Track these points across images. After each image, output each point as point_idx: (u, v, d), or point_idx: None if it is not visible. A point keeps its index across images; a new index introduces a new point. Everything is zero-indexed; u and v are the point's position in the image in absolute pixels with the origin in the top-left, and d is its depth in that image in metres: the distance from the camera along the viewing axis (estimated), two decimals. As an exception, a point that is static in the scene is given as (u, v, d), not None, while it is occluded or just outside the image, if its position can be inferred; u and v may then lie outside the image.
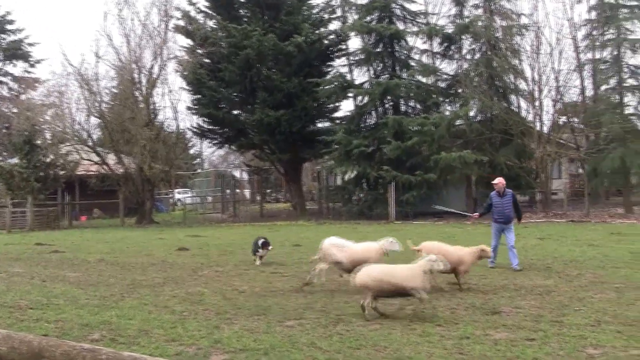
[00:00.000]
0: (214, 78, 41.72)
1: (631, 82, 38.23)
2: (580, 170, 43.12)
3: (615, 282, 13.82)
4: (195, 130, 47.21)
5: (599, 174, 36.48)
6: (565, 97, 39.96)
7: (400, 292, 10.55)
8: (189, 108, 45.60)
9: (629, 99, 38.59)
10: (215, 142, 48.55)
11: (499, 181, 16.92)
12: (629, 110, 38.35)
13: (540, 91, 38.64)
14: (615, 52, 37.95)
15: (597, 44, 39.13)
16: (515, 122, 37.46)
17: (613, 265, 16.49)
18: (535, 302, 11.85)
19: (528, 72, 38.90)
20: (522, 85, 39.72)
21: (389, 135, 36.52)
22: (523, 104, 40.50)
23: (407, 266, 10.96)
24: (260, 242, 17.86)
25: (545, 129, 39.75)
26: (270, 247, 17.92)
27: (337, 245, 13.49)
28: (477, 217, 18.49)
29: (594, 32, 39.63)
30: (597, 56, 39.53)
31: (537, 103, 38.70)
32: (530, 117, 39.48)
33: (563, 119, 41.06)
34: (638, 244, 21.38)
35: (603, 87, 39.48)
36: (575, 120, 40.71)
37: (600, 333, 9.41)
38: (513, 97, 40.31)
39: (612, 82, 38.70)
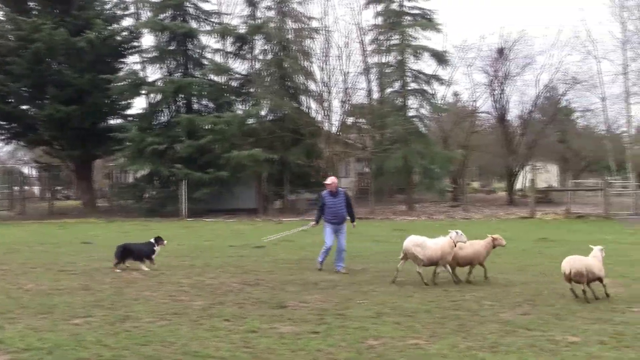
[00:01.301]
0: (1, 72, 39.36)
1: (414, 85, 40.36)
2: (367, 169, 44.85)
3: (397, 276, 14.44)
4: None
5: (384, 172, 37.99)
6: (353, 98, 41.52)
7: None
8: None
9: (411, 101, 40.79)
10: (3, 137, 45.85)
11: (332, 181, 16.00)
12: (411, 113, 40.41)
13: (330, 92, 39.96)
14: (399, 57, 39.76)
15: (383, 48, 40.88)
16: (306, 122, 38.40)
17: (395, 259, 17.15)
18: (320, 296, 12.19)
19: (318, 74, 40.07)
20: (312, 86, 40.83)
21: (182, 133, 36.22)
22: (313, 104, 41.56)
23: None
24: (153, 239, 16.24)
25: (334, 129, 41.12)
26: (164, 243, 16.37)
27: (417, 243, 13.57)
28: (315, 226, 16.64)
29: (380, 37, 41.31)
30: (383, 60, 41.31)
31: (326, 104, 39.92)
32: (319, 118, 40.64)
33: (351, 119, 42.55)
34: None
35: (388, 90, 41.25)
36: (362, 121, 42.27)
37: (380, 325, 9.84)
38: (303, 98, 41.25)
39: (397, 85, 40.54)
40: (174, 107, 40.18)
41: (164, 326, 9.76)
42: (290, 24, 40.52)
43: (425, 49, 39.75)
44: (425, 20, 40.06)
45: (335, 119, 41.70)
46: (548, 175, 59.69)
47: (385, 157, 37.00)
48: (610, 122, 45.75)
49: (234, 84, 41.48)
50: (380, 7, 41.11)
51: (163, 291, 12.72)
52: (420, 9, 40.27)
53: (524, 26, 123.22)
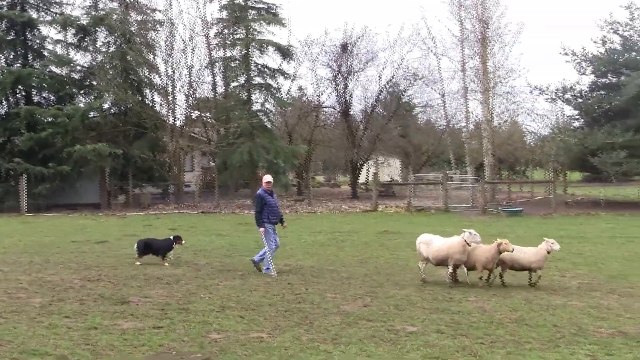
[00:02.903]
0: None
1: (258, 80, 40.53)
2: (212, 164, 44.75)
3: (240, 269, 14.80)
4: None
5: (229, 167, 37.97)
6: (198, 92, 41.37)
7: None
8: None
9: (256, 96, 40.99)
10: None
11: (272, 179, 15.49)
12: (256, 107, 40.62)
13: (174, 86, 39.64)
14: (244, 51, 39.84)
15: (228, 42, 40.86)
16: (149, 116, 37.91)
17: (239, 253, 17.59)
18: (163, 291, 12.24)
19: (162, 67, 39.63)
20: (157, 79, 40.33)
21: (21, 125, 34.86)
22: (157, 98, 41.15)
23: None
24: (172, 237, 16.26)
25: (179, 123, 40.80)
26: (182, 242, 16.24)
27: (425, 242, 13.52)
28: (264, 231, 14.99)
29: (225, 31, 41.26)
30: (228, 54, 41.32)
31: (170, 97, 39.54)
32: (164, 111, 40.23)
33: (195, 113, 42.35)
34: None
35: (233, 84, 41.27)
36: (207, 115, 42.14)
37: (224, 318, 10.03)
38: (147, 91, 40.75)
39: (242, 79, 40.59)
40: (13, 99, 38.49)
41: (1, 324, 9.55)
42: (133, 16, 39.84)
43: (270, 43, 40.03)
44: (270, 15, 40.32)
45: (180, 112, 41.55)
46: (390, 169, 61.53)
47: (230, 151, 37.05)
48: (450, 117, 47.72)
49: (76, 76, 40.11)
50: (224, 1, 40.95)
51: (0, 289, 12.35)
52: (264, 3, 40.47)
53: (367, 22, 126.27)
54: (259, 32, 39.98)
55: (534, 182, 55.90)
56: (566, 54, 41.61)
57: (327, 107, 50.60)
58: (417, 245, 13.73)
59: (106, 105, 38.60)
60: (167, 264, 15.55)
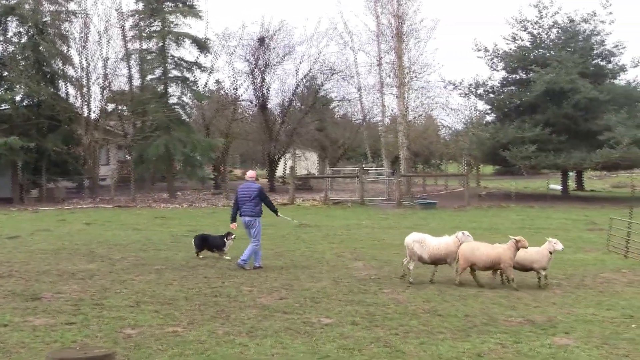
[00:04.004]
0: None
1: (175, 73, 40.30)
2: (128, 157, 44.25)
3: (156, 264, 14.77)
4: None
5: (145, 160, 37.70)
6: (114, 85, 40.85)
7: None
8: None
9: (173, 89, 40.71)
10: None
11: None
12: (173, 100, 40.37)
13: (89, 78, 39.10)
14: (160, 44, 39.55)
15: (144, 34, 40.46)
16: (64, 108, 37.19)
17: (155, 247, 17.59)
18: (77, 286, 12.12)
19: (77, 59, 38.98)
20: (71, 71, 39.61)
21: None
22: (71, 90, 40.38)
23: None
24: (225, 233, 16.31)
25: (94, 116, 40.22)
26: (233, 237, 16.05)
27: (419, 240, 13.20)
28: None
29: (141, 23, 40.81)
30: (144, 47, 40.94)
31: (85, 90, 38.97)
32: (78, 104, 39.55)
33: (111, 106, 41.78)
34: (179, 227, 23.00)
35: (149, 77, 40.92)
36: (123, 107, 41.65)
37: (139, 313, 10.01)
38: (62, 83, 39.89)
39: (158, 72, 40.30)
40: None
41: None
42: (46, 6, 38.93)
43: (186, 36, 39.91)
44: (187, 7, 40.17)
45: (95, 105, 41.00)
46: (308, 162, 61.98)
47: (146, 144, 36.77)
48: (366, 111, 48.28)
49: (-14, 67, 39.10)
50: (141, -8, 40.60)
51: None
52: (181, -5, 40.27)
53: (285, 16, 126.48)
54: (175, 24, 39.89)
55: (448, 175, 57.28)
56: (479, 50, 42.87)
57: (244, 100, 50.83)
58: (410, 244, 13.17)
59: (18, 97, 37.57)
60: (227, 258, 15.66)
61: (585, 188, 52.71)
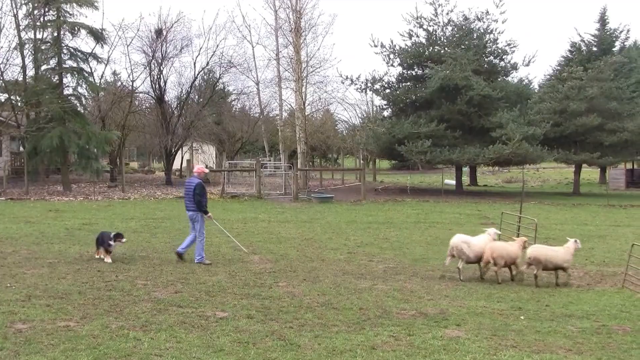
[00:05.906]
0: None
1: (70, 63, 39.57)
2: (21, 149, 43.28)
3: (49, 257, 14.80)
4: None
5: (39, 152, 36.84)
6: (6, 74, 39.83)
7: None
8: None
9: (68, 80, 40.08)
10: None
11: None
12: (68, 91, 39.69)
13: (-20, 68, 38.00)
14: (55, 34, 38.77)
15: (38, 24, 39.56)
16: None
17: (48, 241, 17.54)
18: (-35, 281, 11.90)
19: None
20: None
21: None
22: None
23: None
24: (112, 234, 14.89)
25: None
26: (124, 240, 15.04)
27: (465, 240, 13.97)
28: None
29: (35, 12, 39.89)
30: (39, 36, 40.00)
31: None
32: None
33: (4, 96, 40.75)
34: (73, 220, 22.87)
35: (43, 67, 39.97)
36: (17, 98, 40.67)
37: (30, 308, 9.91)
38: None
39: (52, 62, 39.49)
40: None
41: None
42: None
43: (82, 26, 39.26)
44: (83, -4, 39.51)
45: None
46: (205, 156, 61.89)
47: (40, 136, 36.03)
48: (264, 105, 48.74)
49: None
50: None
51: None
52: (77, -16, 39.54)
53: (183, 7, 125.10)
54: (71, 14, 39.17)
55: (345, 169, 58.26)
56: (375, 46, 43.80)
57: (141, 92, 50.27)
58: (458, 245, 13.92)
59: None
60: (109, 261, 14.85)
61: (479, 183, 54.66)
